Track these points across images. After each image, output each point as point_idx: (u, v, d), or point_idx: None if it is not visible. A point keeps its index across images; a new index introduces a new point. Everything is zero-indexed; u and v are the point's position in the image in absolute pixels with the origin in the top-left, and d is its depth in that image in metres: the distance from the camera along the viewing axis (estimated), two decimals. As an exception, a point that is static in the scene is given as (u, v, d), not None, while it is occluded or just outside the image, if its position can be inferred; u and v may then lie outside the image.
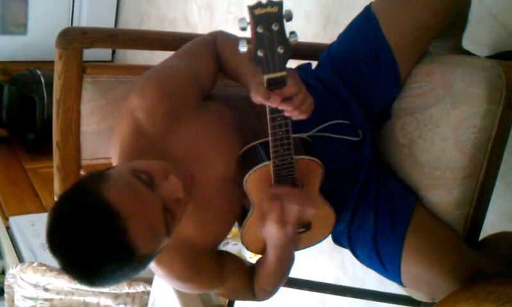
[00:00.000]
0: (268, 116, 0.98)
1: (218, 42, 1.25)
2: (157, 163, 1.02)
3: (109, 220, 0.89)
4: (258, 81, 0.96)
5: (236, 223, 1.24)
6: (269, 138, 1.01)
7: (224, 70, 1.25)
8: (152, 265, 1.15)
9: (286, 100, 0.95)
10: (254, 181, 1.10)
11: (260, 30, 0.86)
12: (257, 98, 0.95)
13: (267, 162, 1.07)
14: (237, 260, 1.27)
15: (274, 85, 0.93)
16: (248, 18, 0.86)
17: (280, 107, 0.95)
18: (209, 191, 1.14)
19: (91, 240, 0.88)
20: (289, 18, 0.87)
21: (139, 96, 1.11)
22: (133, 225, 0.90)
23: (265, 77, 0.91)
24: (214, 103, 1.19)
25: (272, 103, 0.94)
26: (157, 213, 0.95)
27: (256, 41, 0.87)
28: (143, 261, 0.96)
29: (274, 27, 0.86)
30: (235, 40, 1.23)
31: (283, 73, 0.91)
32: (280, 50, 0.88)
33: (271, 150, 1.03)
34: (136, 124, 1.11)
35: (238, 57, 1.18)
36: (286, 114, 0.97)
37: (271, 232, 1.08)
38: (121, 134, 1.12)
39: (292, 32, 0.88)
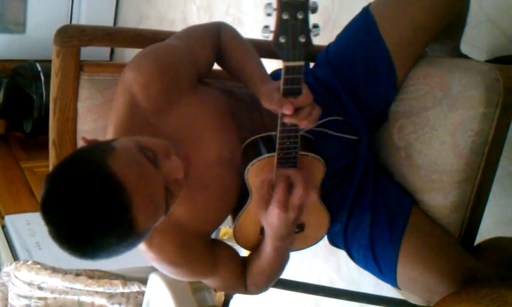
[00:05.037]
0: None
1: (223, 36, 1.25)
2: (159, 141, 1.01)
3: (115, 193, 0.87)
4: (271, 87, 0.98)
5: (230, 217, 1.23)
6: (277, 129, 1.01)
7: (226, 66, 1.25)
8: (143, 249, 1.14)
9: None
10: (256, 172, 1.10)
11: (285, 16, 0.86)
12: (269, 105, 0.97)
13: (271, 154, 1.06)
14: (231, 250, 1.25)
15: (289, 94, 0.95)
16: (274, 4, 0.87)
17: (288, 120, 0.96)
18: (203, 174, 1.13)
19: (93, 210, 0.86)
20: (314, 10, 0.87)
21: (135, 70, 1.10)
22: (138, 202, 0.89)
23: (284, 64, 0.92)
24: (210, 89, 1.19)
25: (285, 110, 0.95)
26: (160, 191, 0.94)
27: (279, 26, 0.88)
28: (139, 238, 0.95)
29: (299, 16, 0.87)
30: (242, 38, 1.24)
31: (301, 63, 0.92)
32: (302, 40, 0.89)
33: (277, 141, 1.03)
34: (131, 98, 1.09)
35: (245, 58, 1.19)
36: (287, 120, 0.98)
37: (273, 217, 1.04)
38: (116, 109, 1.11)
39: (316, 26, 0.89)
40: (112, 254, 0.93)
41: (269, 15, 0.88)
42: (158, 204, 0.94)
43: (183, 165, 0.98)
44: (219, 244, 1.25)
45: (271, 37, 0.89)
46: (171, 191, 0.98)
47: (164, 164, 0.96)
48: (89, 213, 0.87)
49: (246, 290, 1.27)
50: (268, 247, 1.14)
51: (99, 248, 0.90)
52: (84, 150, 0.96)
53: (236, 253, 1.26)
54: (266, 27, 0.90)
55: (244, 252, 1.29)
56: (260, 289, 1.27)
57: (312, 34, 0.89)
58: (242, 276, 1.25)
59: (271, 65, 1.23)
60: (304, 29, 0.88)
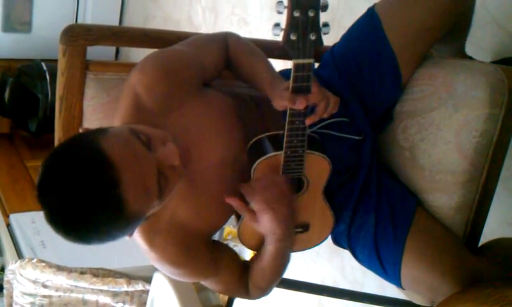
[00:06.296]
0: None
1: (231, 42, 1.26)
2: (156, 130, 1.03)
3: (103, 170, 0.89)
4: (282, 88, 1.00)
5: (234, 217, 1.23)
6: (285, 127, 1.02)
7: (235, 71, 1.26)
8: (145, 248, 1.15)
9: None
10: (262, 170, 1.10)
11: (296, 14, 0.88)
12: (282, 103, 0.99)
13: (279, 152, 1.07)
14: (233, 253, 1.26)
15: (299, 92, 0.96)
16: (285, 2, 0.88)
17: (309, 121, 1.00)
18: (206, 175, 1.14)
19: (81, 188, 0.88)
20: (324, 8, 0.88)
21: (140, 72, 1.12)
22: (126, 178, 0.90)
23: (294, 61, 0.93)
24: (215, 91, 1.20)
25: (298, 105, 0.96)
26: (151, 172, 0.95)
27: (291, 24, 0.89)
28: (131, 220, 0.95)
29: (311, 14, 0.88)
30: (250, 44, 1.26)
31: (310, 60, 0.93)
32: (312, 37, 0.90)
33: (284, 139, 1.04)
34: (136, 99, 1.11)
35: (254, 62, 1.21)
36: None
37: (264, 222, 1.07)
38: (121, 110, 1.13)
39: (326, 24, 0.90)
40: (105, 236, 0.94)
41: (279, 12, 0.89)
42: (149, 186, 0.95)
43: (178, 152, 0.99)
44: (220, 246, 1.25)
45: (281, 35, 0.90)
46: (167, 177, 0.99)
47: (158, 148, 0.98)
48: (78, 190, 0.89)
49: (247, 293, 1.27)
50: (269, 248, 1.15)
51: (90, 228, 0.91)
52: (78, 135, 0.99)
53: (237, 256, 1.27)
54: (277, 25, 0.90)
55: (248, 253, 1.29)
56: (262, 291, 1.27)
57: (322, 32, 0.90)
58: (243, 279, 1.25)
59: (276, 66, 1.23)
60: (315, 26, 0.89)
